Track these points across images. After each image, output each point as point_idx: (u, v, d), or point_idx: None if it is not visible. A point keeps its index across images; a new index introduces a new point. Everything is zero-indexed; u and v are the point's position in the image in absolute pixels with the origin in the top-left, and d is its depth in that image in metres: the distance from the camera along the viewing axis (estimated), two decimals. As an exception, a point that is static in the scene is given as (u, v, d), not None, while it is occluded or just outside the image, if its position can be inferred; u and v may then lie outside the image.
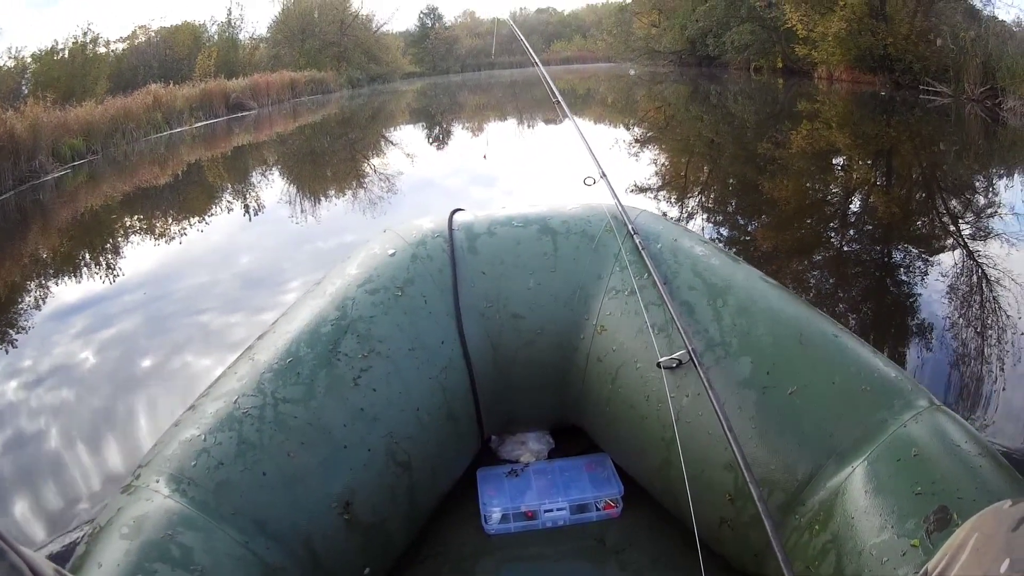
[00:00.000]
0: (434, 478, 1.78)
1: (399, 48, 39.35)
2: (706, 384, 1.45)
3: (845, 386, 1.46)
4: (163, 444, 1.48)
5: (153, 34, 27.03)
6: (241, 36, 31.67)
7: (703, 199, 6.81)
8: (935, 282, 3.84)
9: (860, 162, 8.28)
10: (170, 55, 25.53)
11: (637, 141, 10.75)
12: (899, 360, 2.82)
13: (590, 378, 1.86)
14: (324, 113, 20.00)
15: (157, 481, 1.38)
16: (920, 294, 3.72)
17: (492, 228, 2.03)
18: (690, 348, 1.55)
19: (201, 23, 29.53)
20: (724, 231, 5.49)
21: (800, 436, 1.45)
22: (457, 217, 2.08)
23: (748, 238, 5.26)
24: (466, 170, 9.03)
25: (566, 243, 1.96)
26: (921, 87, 13.50)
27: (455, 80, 33.79)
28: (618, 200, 2.00)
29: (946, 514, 1.16)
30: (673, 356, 1.60)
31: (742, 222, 5.92)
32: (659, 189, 7.10)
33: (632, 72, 26.09)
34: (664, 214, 4.36)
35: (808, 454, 1.42)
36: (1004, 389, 2.67)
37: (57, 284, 5.39)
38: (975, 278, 3.81)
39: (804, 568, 1.31)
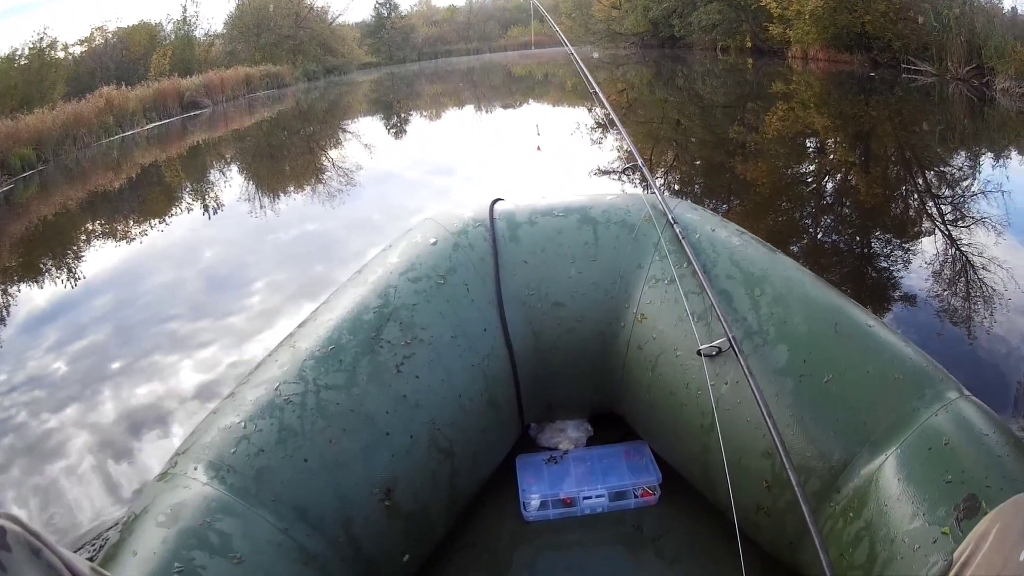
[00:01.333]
0: (475, 465, 1.80)
1: (355, 39, 39.01)
2: (746, 371, 1.48)
3: (879, 375, 1.50)
4: (201, 432, 1.49)
5: (111, 35, 26.59)
6: (197, 33, 31.31)
7: (671, 183, 6.71)
8: (965, 272, 3.84)
9: (842, 145, 7.97)
10: (127, 56, 25.12)
11: (599, 125, 10.45)
12: (929, 349, 2.98)
13: (630, 366, 1.89)
14: (280, 108, 19.85)
15: (195, 468, 1.38)
16: (949, 285, 3.73)
17: (533, 218, 2.06)
18: (730, 336, 1.58)
19: (157, 22, 29.14)
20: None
21: (835, 424, 1.48)
22: (498, 206, 2.12)
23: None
24: (428, 162, 9.11)
25: (606, 232, 1.99)
26: (903, 66, 13.22)
27: (412, 69, 33.50)
28: (657, 190, 2.04)
29: (975, 503, 1.19)
30: (713, 344, 1.63)
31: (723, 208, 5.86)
32: (622, 172, 7.01)
33: (595, 55, 26.03)
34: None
35: (843, 442, 1.45)
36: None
37: (15, 298, 5.40)
38: (1006, 268, 3.79)
39: (838, 555, 1.34)
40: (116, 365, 3.73)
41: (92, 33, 26.33)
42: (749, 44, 22.23)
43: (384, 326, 1.71)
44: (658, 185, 2.08)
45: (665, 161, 7.56)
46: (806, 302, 1.68)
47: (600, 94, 2.41)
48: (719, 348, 1.62)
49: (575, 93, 15.36)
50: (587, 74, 2.52)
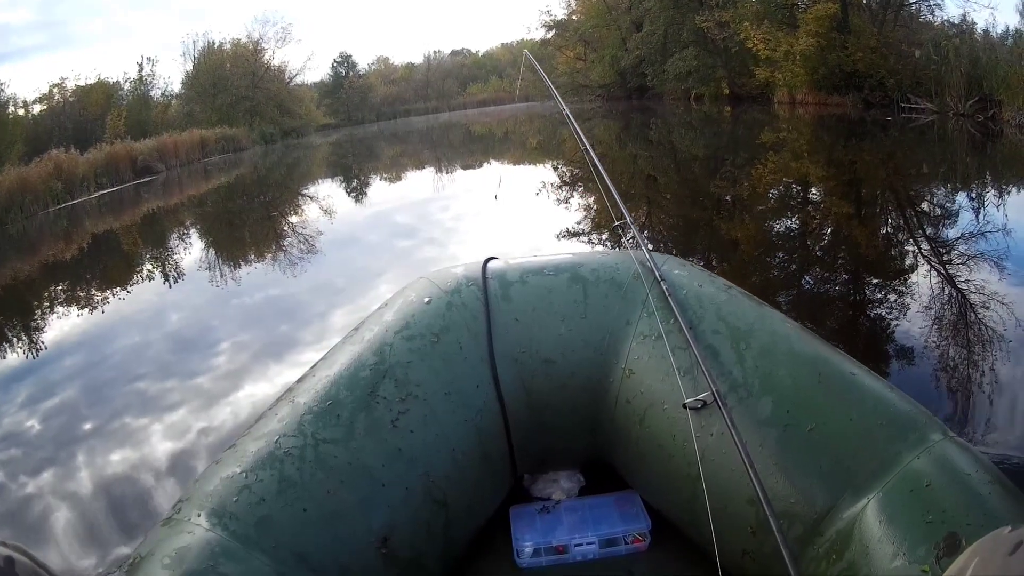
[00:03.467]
0: (469, 515, 1.90)
1: (313, 99, 39.57)
2: (729, 424, 1.56)
3: (862, 422, 1.58)
4: (204, 480, 1.58)
5: (69, 94, 26.54)
6: (154, 93, 31.44)
7: (655, 239, 6.70)
8: (952, 315, 3.95)
9: (833, 197, 7.87)
10: (84, 116, 25.11)
11: (571, 182, 10.55)
12: (916, 389, 2.91)
13: (619, 419, 1.99)
14: (237, 172, 19.97)
15: (199, 515, 1.47)
16: (938, 327, 3.83)
17: (524, 277, 2.17)
18: (714, 390, 1.66)
19: (115, 81, 29.20)
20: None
21: (818, 470, 1.56)
22: (491, 265, 2.23)
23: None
24: (390, 224, 9.22)
25: (596, 291, 2.11)
26: (902, 104, 12.83)
27: (371, 130, 33.91)
28: (645, 247, 2.17)
29: (955, 540, 1.25)
30: (698, 397, 1.73)
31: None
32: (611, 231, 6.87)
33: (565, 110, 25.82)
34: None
35: (826, 487, 1.53)
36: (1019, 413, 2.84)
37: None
38: (991, 310, 3.91)
39: None
40: (87, 426, 3.80)
41: (51, 90, 26.40)
42: (726, 91, 21.86)
43: (380, 383, 1.81)
44: (645, 241, 2.19)
45: (643, 218, 7.64)
46: (791, 354, 1.78)
47: (591, 150, 2.52)
48: (704, 401, 1.72)
49: (540, 151, 15.75)
50: (580, 133, 2.65)
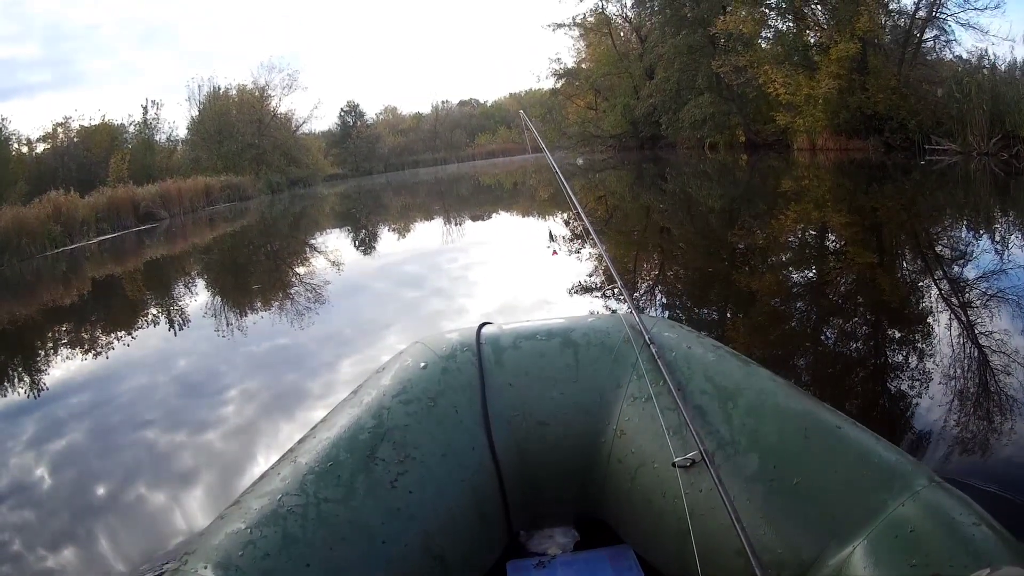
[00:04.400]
0: (466, 570, 1.97)
1: (320, 149, 39.90)
2: (716, 481, 1.64)
3: (847, 473, 1.66)
4: (210, 534, 1.67)
5: (73, 134, 26.76)
6: (159, 137, 31.63)
7: (656, 295, 6.62)
8: (939, 360, 3.97)
9: (856, 246, 7.63)
10: (88, 157, 25.26)
11: (576, 237, 10.15)
12: (907, 433, 3.14)
13: (611, 477, 2.09)
14: (243, 222, 19.88)
15: (205, 567, 1.54)
16: (925, 372, 3.85)
17: (517, 342, 2.28)
18: (702, 449, 1.74)
19: (119, 123, 29.43)
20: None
21: (805, 521, 1.64)
22: (485, 331, 2.33)
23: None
24: (397, 275, 9.04)
25: (587, 354, 2.21)
26: (926, 147, 12.54)
27: (379, 181, 34.17)
28: (636, 310, 2.24)
29: None
30: (687, 456, 1.81)
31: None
32: (603, 291, 6.62)
33: (579, 162, 25.06)
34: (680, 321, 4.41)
35: (812, 537, 1.60)
36: (1008, 456, 2.86)
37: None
38: (979, 353, 3.93)
39: None
40: (89, 471, 3.81)
41: (55, 129, 26.64)
42: (742, 138, 21.44)
43: (379, 445, 1.91)
44: (639, 300, 2.38)
45: (650, 273, 7.57)
46: (777, 411, 1.88)
47: (580, 209, 2.60)
48: (693, 460, 1.81)
49: (551, 203, 15.71)
50: (566, 185, 2.74)
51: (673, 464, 1.83)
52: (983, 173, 10.20)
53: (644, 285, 6.91)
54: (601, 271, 7.11)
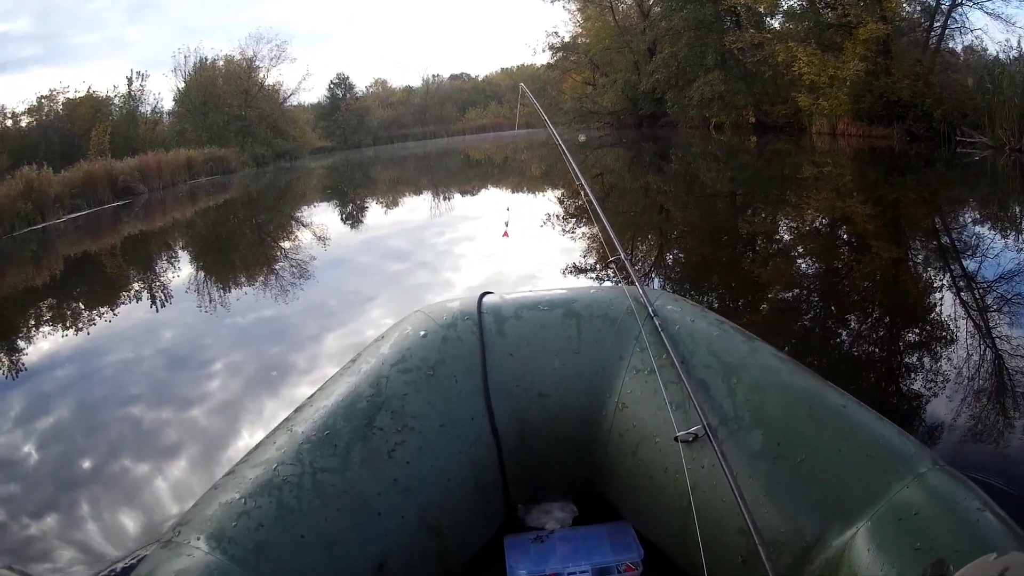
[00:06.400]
0: (463, 543, 1.98)
1: (308, 121, 39.39)
2: (720, 456, 1.63)
3: (851, 453, 1.65)
4: (203, 504, 1.66)
5: (59, 107, 26.23)
6: (145, 109, 31.01)
7: (661, 272, 6.54)
8: (947, 350, 3.94)
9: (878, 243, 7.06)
10: (71, 130, 24.77)
11: (574, 214, 9.76)
12: (911, 418, 3.12)
13: (612, 452, 2.06)
14: (226, 196, 19.55)
15: (198, 538, 1.54)
16: (932, 361, 3.85)
17: (519, 312, 2.25)
18: (705, 423, 1.73)
19: (104, 95, 28.84)
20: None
21: (808, 501, 1.63)
22: (486, 300, 2.30)
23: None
24: (384, 248, 8.98)
25: (589, 326, 2.17)
26: (958, 139, 12.02)
27: (368, 154, 33.74)
28: (639, 283, 2.21)
29: (943, 567, 1.29)
30: (690, 431, 1.79)
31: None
32: (605, 266, 6.49)
33: (581, 138, 23.73)
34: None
35: (815, 517, 1.59)
36: (1010, 441, 2.88)
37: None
38: (988, 345, 3.93)
39: None
40: (76, 448, 3.80)
41: (40, 102, 26.08)
42: (751, 119, 20.53)
43: (376, 414, 1.89)
44: (641, 275, 2.25)
45: (651, 251, 7.46)
46: (781, 388, 1.86)
47: (585, 185, 2.58)
48: (695, 434, 1.78)
49: (543, 180, 15.46)
50: (572, 163, 2.69)
51: (675, 438, 1.81)
52: (1014, 169, 9.91)
53: (660, 272, 6.77)
54: (592, 246, 7.16)
